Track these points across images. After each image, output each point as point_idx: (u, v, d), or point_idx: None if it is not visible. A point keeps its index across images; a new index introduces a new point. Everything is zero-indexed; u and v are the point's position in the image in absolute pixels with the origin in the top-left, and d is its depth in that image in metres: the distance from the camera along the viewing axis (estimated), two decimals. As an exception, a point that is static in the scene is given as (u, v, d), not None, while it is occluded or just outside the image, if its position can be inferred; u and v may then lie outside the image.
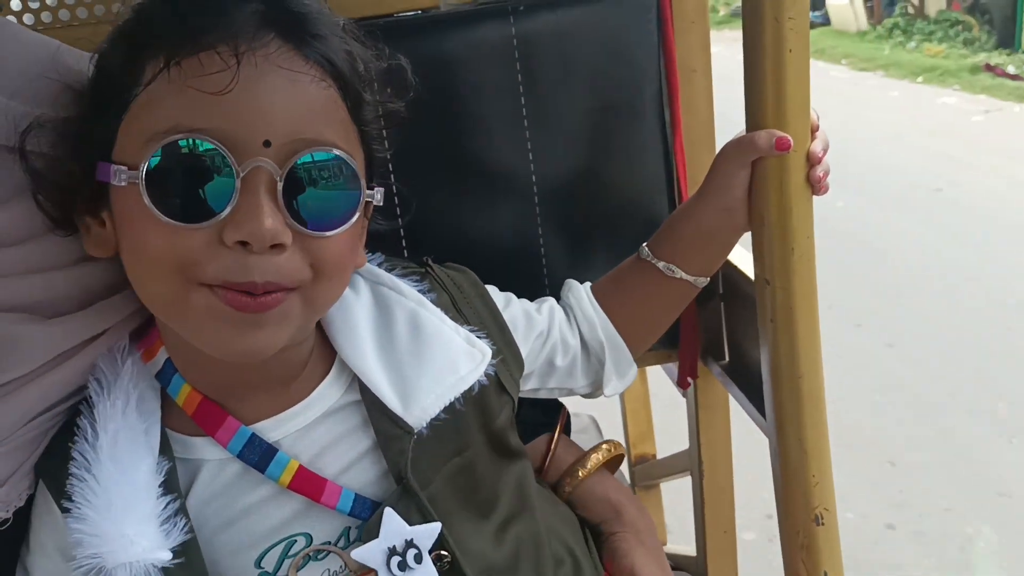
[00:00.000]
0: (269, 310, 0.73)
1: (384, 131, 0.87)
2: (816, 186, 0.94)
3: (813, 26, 8.27)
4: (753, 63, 0.92)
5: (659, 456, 1.94)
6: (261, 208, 0.70)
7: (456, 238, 1.19)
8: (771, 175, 0.94)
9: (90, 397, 0.83)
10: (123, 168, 0.71)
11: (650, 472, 1.83)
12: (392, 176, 1.03)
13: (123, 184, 0.71)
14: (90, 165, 0.76)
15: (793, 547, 1.01)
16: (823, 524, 0.99)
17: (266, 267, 0.71)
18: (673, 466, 1.67)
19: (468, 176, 1.18)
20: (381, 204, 0.82)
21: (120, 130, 0.74)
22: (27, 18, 1.12)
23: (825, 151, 0.94)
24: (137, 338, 0.88)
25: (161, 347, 0.85)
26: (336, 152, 0.75)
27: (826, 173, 0.94)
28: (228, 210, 0.70)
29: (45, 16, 1.12)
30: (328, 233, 0.75)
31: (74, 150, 0.77)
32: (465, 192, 1.19)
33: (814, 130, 0.94)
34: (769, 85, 0.91)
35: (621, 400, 1.99)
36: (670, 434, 2.05)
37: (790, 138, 0.91)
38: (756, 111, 0.94)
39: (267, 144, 0.71)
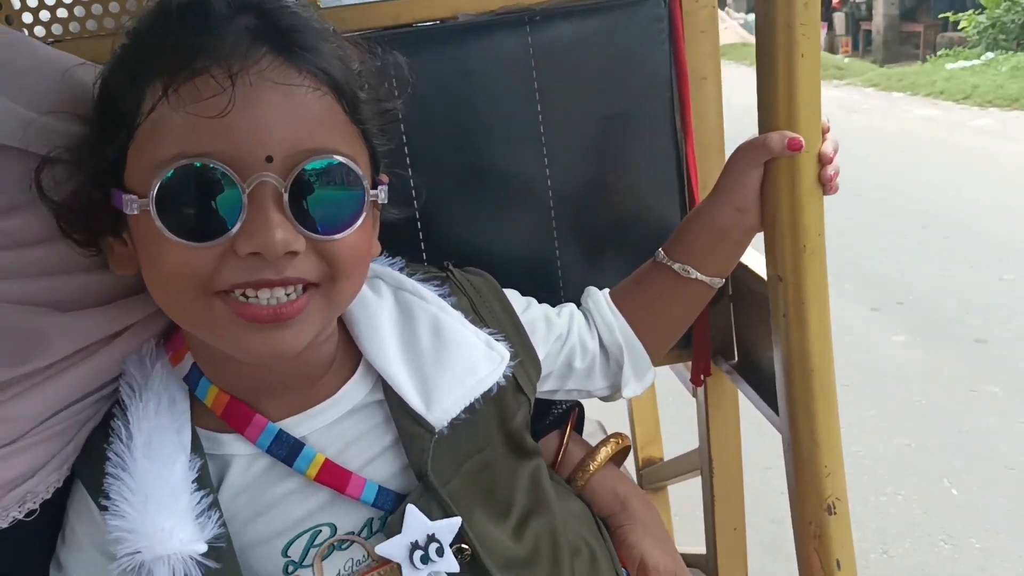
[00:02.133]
0: (288, 319, 0.77)
1: (387, 125, 0.89)
2: (827, 185, 0.98)
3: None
4: (766, 67, 0.96)
5: (666, 459, 1.97)
6: (270, 220, 0.73)
7: (474, 244, 1.22)
8: (783, 175, 0.98)
9: (122, 400, 0.86)
10: (134, 197, 0.75)
11: (658, 474, 1.86)
12: (410, 169, 1.05)
13: (135, 212, 0.75)
14: (106, 191, 0.79)
15: (806, 537, 1.04)
16: (835, 513, 1.02)
17: (280, 267, 0.75)
18: (681, 467, 1.70)
19: (485, 183, 1.21)
20: (386, 201, 0.85)
21: (128, 156, 0.77)
22: (38, 30, 1.14)
23: (835, 152, 0.98)
24: (164, 342, 0.91)
25: (187, 351, 0.89)
26: (337, 157, 0.77)
27: (836, 173, 0.98)
28: (238, 225, 0.73)
29: (56, 28, 1.14)
30: (338, 236, 0.78)
31: (89, 178, 0.80)
32: (482, 198, 1.22)
33: (824, 132, 0.97)
34: (781, 88, 0.95)
35: (628, 404, 2.02)
36: (674, 438, 2.10)
37: (802, 139, 0.95)
38: (768, 113, 0.97)
39: (269, 159, 0.73)
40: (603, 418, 1.98)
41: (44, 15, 1.13)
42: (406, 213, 0.85)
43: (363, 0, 1.15)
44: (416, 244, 1.20)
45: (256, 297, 0.75)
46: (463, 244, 1.21)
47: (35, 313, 0.82)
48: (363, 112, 0.83)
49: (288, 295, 0.76)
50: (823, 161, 0.97)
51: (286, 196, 0.74)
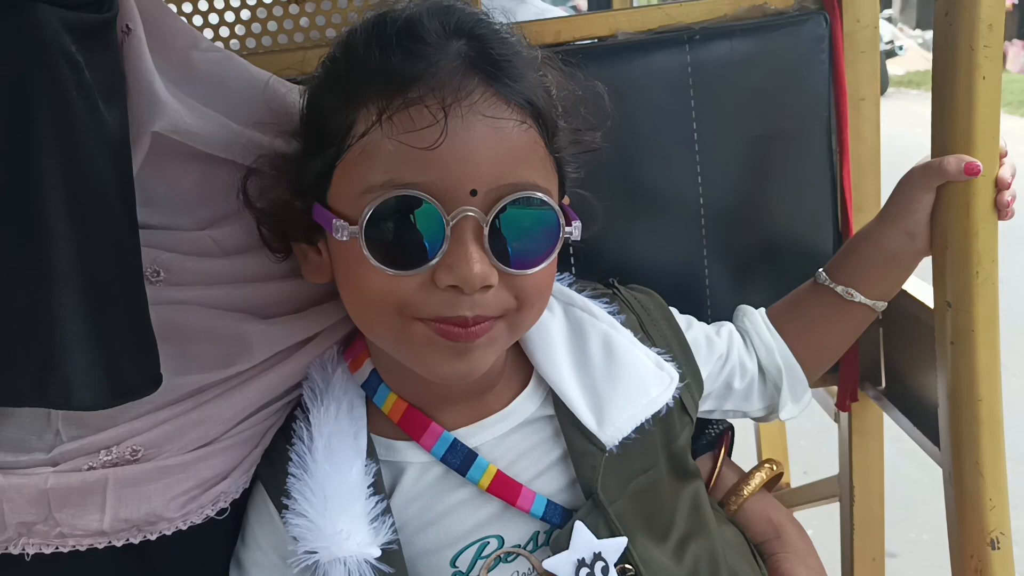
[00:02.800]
0: (478, 338, 0.79)
1: (580, 155, 0.92)
2: (1003, 211, 0.95)
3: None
4: (943, 89, 0.94)
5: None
6: (470, 254, 0.75)
7: (623, 258, 1.22)
8: (958, 199, 0.96)
9: (304, 404, 0.90)
10: (344, 224, 0.77)
11: (785, 500, 1.81)
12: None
13: (345, 239, 0.77)
14: (307, 203, 0.82)
15: (966, 572, 1.02)
16: (999, 548, 0.99)
17: (475, 303, 0.77)
18: (814, 494, 1.67)
19: (637, 198, 1.22)
20: (579, 239, 0.86)
21: (335, 174, 0.80)
22: (233, 44, 1.19)
23: (1013, 177, 0.96)
24: (344, 349, 0.94)
25: (367, 359, 0.92)
26: (537, 194, 0.79)
27: (1013, 198, 0.96)
28: (439, 257, 0.76)
29: (250, 43, 1.20)
30: (531, 271, 0.80)
31: (293, 189, 0.84)
32: (634, 214, 1.22)
33: (1002, 156, 0.95)
34: (960, 110, 0.93)
35: (756, 428, 1.99)
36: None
37: (980, 163, 0.93)
38: (945, 136, 0.96)
39: (473, 193, 0.76)
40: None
41: (240, 29, 1.18)
42: (586, 235, 0.86)
43: (528, 19, 1.18)
44: (566, 258, 1.22)
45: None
46: (612, 258, 1.21)
47: (240, 319, 0.86)
48: (560, 140, 0.85)
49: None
50: (1000, 186, 0.94)
51: (487, 231, 0.76)
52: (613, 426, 0.89)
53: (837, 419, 1.41)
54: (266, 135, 0.85)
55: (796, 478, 2.05)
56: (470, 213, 0.75)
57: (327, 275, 0.86)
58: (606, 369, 0.92)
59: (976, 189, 0.94)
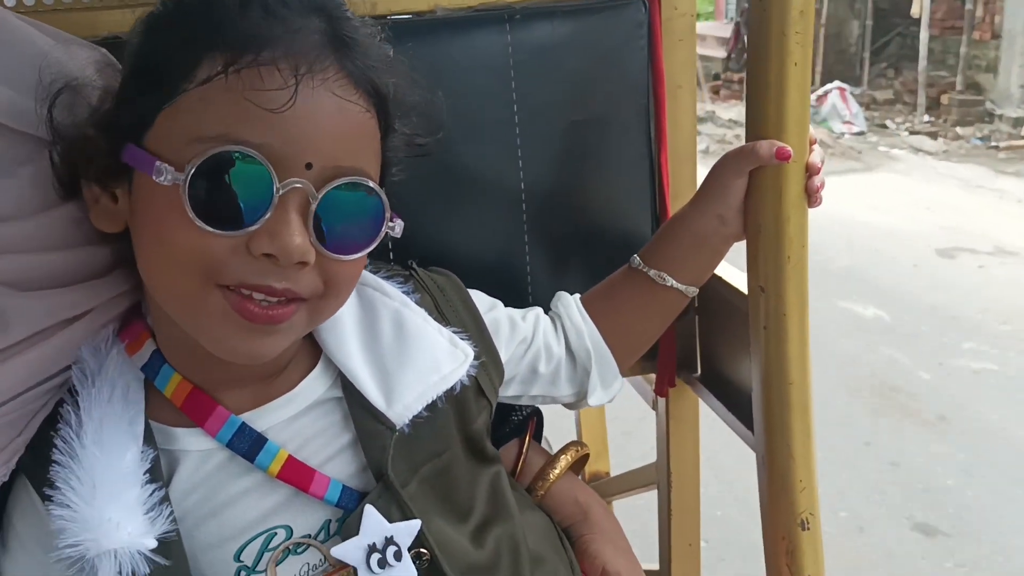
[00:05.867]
0: (278, 324, 0.76)
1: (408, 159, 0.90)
2: (812, 196, 0.97)
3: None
4: (756, 74, 0.95)
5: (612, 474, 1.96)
6: (292, 225, 0.73)
7: (442, 244, 1.18)
8: (770, 184, 0.97)
9: (74, 386, 0.82)
10: (169, 168, 0.72)
11: (605, 489, 1.82)
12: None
13: (166, 184, 0.72)
14: (116, 142, 0.76)
15: (777, 553, 1.03)
16: (808, 528, 1.01)
17: (285, 276, 0.74)
18: (631, 482, 1.68)
19: (456, 182, 1.18)
20: (399, 236, 0.84)
21: (160, 118, 0.74)
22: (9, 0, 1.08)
23: (822, 163, 0.98)
24: (120, 330, 0.87)
25: (147, 340, 0.85)
26: (369, 183, 0.78)
27: (822, 184, 0.98)
28: (260, 223, 0.72)
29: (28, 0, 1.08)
30: (348, 257, 0.78)
31: (102, 122, 0.77)
32: (453, 198, 1.18)
33: (812, 142, 0.97)
34: (772, 96, 0.94)
35: (577, 418, 2.00)
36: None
37: (790, 148, 0.94)
38: (757, 121, 0.97)
39: (308, 167, 0.74)
40: (549, 433, 1.95)
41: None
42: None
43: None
44: (383, 245, 1.16)
45: (251, 296, 0.74)
46: (431, 244, 1.17)
47: None
48: (392, 140, 0.85)
49: (279, 300, 0.75)
50: (810, 172, 0.96)
51: (314, 207, 0.74)
52: (402, 404, 0.86)
53: (655, 407, 1.42)
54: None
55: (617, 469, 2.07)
56: (299, 185, 0.73)
57: (119, 223, 0.79)
58: (396, 347, 0.90)
59: (787, 174, 0.96)
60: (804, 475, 1.01)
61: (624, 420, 2.79)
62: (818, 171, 0.97)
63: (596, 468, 1.96)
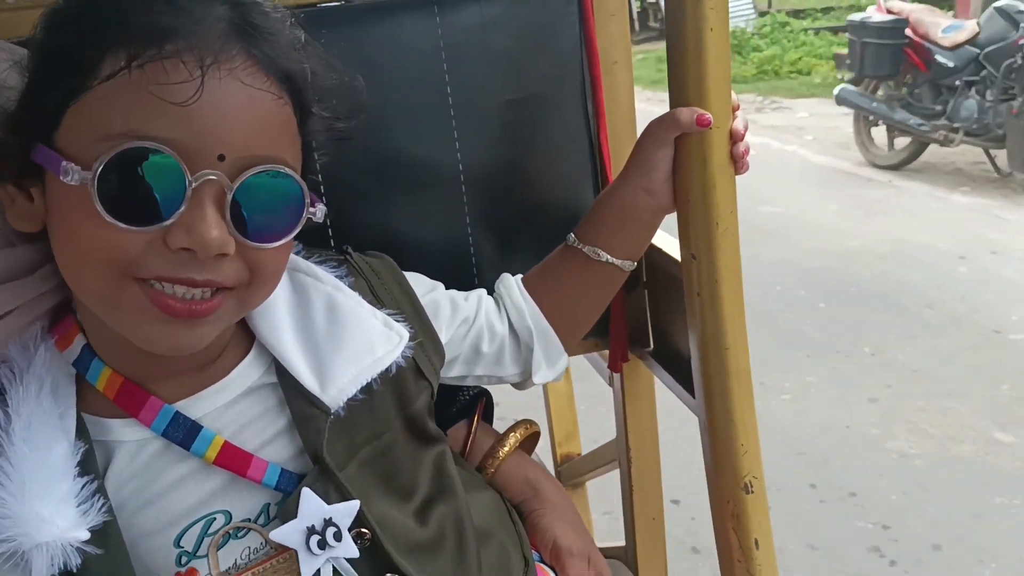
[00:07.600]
0: (201, 317, 0.76)
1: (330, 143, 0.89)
2: (738, 162, 0.98)
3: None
4: (675, 42, 0.95)
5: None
6: (208, 218, 0.72)
7: (384, 231, 1.19)
8: (695, 153, 0.98)
9: (2, 385, 0.82)
10: (75, 167, 0.71)
11: (576, 470, 1.84)
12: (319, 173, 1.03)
13: (74, 183, 0.71)
14: (25, 141, 0.76)
15: (724, 517, 1.04)
16: (752, 492, 1.02)
17: (206, 267, 0.74)
18: (598, 460, 1.69)
19: (395, 169, 1.18)
20: (321, 221, 0.83)
21: (67, 116, 0.74)
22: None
23: (746, 129, 0.98)
24: (49, 326, 0.87)
25: (77, 335, 0.85)
26: (285, 170, 0.77)
27: (747, 150, 0.98)
28: (175, 217, 0.72)
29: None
30: (269, 245, 0.78)
31: (11, 123, 0.76)
32: (393, 185, 1.19)
33: (735, 109, 0.97)
34: (691, 64, 0.95)
35: (546, 400, 2.00)
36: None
37: (710, 115, 0.95)
38: (678, 89, 0.97)
39: (221, 158, 0.73)
40: (518, 415, 1.95)
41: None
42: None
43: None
44: (323, 232, 1.17)
45: (173, 290, 0.74)
46: (373, 231, 1.18)
47: None
48: (311, 125, 0.84)
49: (203, 294, 0.75)
50: (734, 138, 0.97)
51: (229, 197, 0.73)
52: (336, 387, 0.87)
53: (612, 383, 1.42)
54: None
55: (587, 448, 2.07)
56: (213, 177, 0.72)
57: (37, 224, 0.79)
58: (329, 331, 0.90)
59: (712, 141, 0.96)
60: (745, 439, 1.02)
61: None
62: (742, 137, 0.97)
63: (568, 450, 1.97)
